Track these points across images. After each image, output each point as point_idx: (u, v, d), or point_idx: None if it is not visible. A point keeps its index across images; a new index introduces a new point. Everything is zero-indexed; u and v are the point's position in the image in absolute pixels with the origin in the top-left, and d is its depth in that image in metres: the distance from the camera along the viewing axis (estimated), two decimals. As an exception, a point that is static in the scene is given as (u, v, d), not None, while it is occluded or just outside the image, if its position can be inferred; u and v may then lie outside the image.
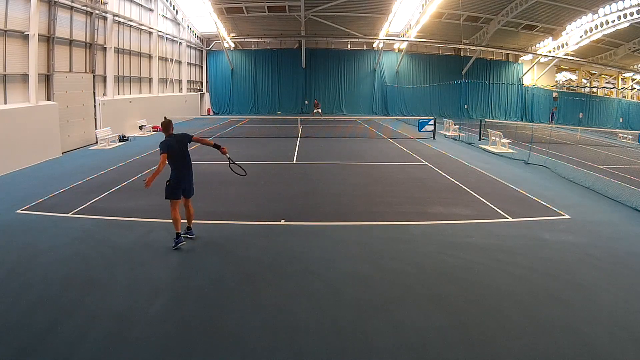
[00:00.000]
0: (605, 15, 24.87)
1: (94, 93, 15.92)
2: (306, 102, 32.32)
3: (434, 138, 18.19)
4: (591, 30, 26.62)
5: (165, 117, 6.11)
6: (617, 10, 23.83)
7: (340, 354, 3.42)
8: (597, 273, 5.01)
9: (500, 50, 32.79)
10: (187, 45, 27.94)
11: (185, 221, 5.88)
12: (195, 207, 7.52)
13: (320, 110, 28.40)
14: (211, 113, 31.58)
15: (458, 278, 4.81)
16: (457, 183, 9.68)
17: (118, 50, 18.33)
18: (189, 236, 5.84)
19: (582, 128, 26.88)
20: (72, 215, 6.96)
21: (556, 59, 32.10)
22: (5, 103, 11.62)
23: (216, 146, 5.83)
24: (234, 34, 29.75)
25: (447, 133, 20.58)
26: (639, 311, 4.11)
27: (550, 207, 7.81)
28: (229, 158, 6.02)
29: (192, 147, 5.98)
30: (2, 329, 3.68)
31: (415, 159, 13.07)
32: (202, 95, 31.27)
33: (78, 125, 14.75)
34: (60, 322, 3.78)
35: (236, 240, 5.99)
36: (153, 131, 19.57)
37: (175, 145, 5.52)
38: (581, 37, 27.82)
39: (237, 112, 31.71)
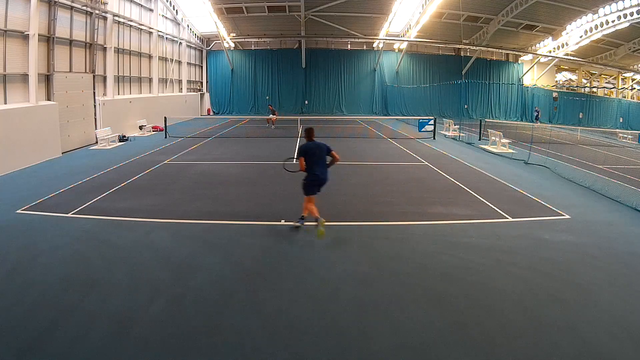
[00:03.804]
0: (605, 15, 24.87)
1: (94, 93, 15.93)
2: (306, 102, 32.33)
3: (434, 138, 18.19)
4: (591, 30, 26.63)
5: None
6: (617, 10, 23.84)
7: (340, 354, 3.42)
8: (597, 273, 5.01)
9: (500, 50, 32.79)
10: (187, 45, 27.94)
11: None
12: (195, 207, 7.60)
13: (273, 118, 22.02)
14: (211, 113, 31.61)
15: (458, 278, 4.81)
16: (457, 183, 9.68)
17: (118, 50, 18.33)
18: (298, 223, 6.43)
19: (582, 128, 26.89)
20: (72, 215, 6.96)
21: (556, 59, 32.10)
22: (5, 103, 11.63)
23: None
24: (234, 34, 29.76)
25: (447, 133, 20.58)
26: (639, 311, 4.11)
27: (550, 207, 7.80)
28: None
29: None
30: (2, 329, 3.68)
31: (415, 159, 13.06)
32: (202, 95, 31.27)
33: (78, 125, 14.75)
34: (60, 322, 3.78)
35: (236, 240, 5.99)
36: (153, 131, 19.59)
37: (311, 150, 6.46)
38: (581, 37, 27.82)
39: (237, 112, 31.72)
